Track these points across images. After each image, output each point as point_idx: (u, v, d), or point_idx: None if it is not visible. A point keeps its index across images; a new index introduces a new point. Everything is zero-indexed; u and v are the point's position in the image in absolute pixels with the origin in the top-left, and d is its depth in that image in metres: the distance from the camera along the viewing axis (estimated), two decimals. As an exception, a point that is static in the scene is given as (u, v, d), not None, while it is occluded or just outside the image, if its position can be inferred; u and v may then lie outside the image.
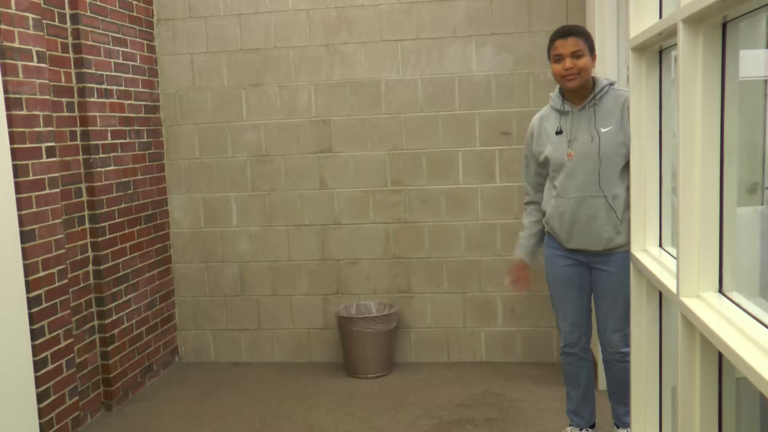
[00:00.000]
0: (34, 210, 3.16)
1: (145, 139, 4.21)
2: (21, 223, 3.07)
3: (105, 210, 3.75)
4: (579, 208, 2.74)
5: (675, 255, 1.78)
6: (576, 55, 2.66)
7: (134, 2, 4.13)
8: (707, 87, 1.54)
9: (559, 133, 2.76)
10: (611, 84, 2.77)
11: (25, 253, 3.09)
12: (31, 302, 3.12)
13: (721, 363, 1.58)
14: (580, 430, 3.03)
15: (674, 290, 1.69)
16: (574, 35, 2.68)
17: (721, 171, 1.57)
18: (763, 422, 2.40)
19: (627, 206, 2.64)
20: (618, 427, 3.00)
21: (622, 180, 2.70)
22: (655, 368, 2.26)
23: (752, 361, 1.24)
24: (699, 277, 1.61)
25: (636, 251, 2.27)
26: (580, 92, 2.73)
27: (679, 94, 1.59)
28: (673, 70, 2.11)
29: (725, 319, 1.46)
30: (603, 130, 2.68)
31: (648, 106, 2.20)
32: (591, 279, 2.88)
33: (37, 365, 3.14)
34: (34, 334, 3.13)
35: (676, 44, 1.63)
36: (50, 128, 3.31)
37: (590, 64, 2.69)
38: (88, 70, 3.64)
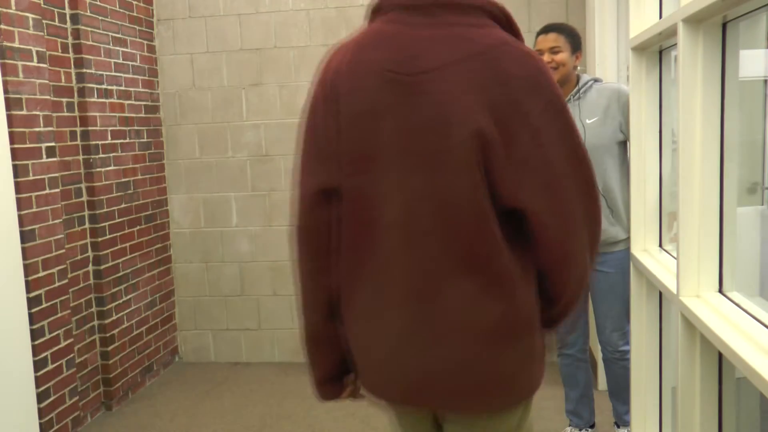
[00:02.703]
0: (34, 210, 3.16)
1: (145, 139, 4.20)
2: (21, 223, 3.07)
3: (105, 210, 3.75)
4: None
5: (675, 255, 1.78)
6: (554, 50, 2.67)
7: (134, 2, 4.13)
8: (707, 87, 1.54)
9: None
10: (596, 80, 2.79)
11: (25, 253, 3.09)
12: (31, 302, 3.12)
13: (721, 363, 1.58)
14: (580, 430, 3.03)
15: (674, 290, 1.69)
16: (554, 31, 2.69)
17: (721, 171, 1.57)
18: (763, 422, 2.41)
19: (625, 201, 2.64)
20: (618, 426, 3.00)
21: (615, 171, 2.70)
22: (655, 368, 2.27)
23: (752, 361, 1.24)
24: (699, 277, 1.62)
25: (636, 251, 2.27)
26: (563, 88, 2.74)
27: (679, 94, 1.59)
28: (673, 70, 2.11)
29: (725, 319, 1.46)
30: (588, 122, 2.69)
31: (648, 106, 2.20)
32: (588, 280, 2.88)
33: (37, 365, 3.14)
34: (34, 334, 3.13)
35: (676, 44, 1.63)
36: (50, 128, 3.30)
37: (569, 60, 2.68)
38: (88, 70, 3.64)
